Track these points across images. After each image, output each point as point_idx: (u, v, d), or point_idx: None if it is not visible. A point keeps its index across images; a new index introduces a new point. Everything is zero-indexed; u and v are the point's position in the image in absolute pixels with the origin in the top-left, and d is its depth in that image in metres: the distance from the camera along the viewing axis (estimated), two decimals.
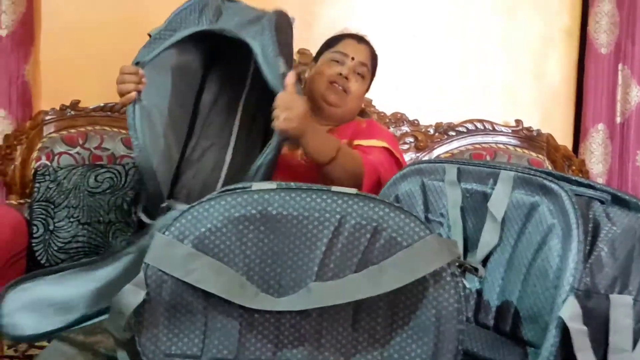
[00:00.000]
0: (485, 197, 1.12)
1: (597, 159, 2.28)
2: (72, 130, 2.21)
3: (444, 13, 2.35)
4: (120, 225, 2.04)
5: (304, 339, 0.92)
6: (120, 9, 2.27)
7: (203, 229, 0.91)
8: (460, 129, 2.28)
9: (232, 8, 1.39)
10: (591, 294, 0.97)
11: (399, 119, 2.27)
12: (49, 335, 1.11)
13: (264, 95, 1.32)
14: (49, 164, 2.16)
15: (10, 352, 1.53)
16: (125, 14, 2.25)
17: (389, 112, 2.28)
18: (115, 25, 2.24)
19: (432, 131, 2.28)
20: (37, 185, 2.08)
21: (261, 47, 1.26)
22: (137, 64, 1.28)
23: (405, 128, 2.28)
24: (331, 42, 1.75)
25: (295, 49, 1.58)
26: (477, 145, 2.27)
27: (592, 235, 1.00)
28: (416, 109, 2.31)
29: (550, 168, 2.18)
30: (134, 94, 1.26)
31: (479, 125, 2.28)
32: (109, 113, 2.23)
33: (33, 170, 2.14)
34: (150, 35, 1.30)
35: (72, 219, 2.03)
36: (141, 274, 0.90)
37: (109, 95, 2.18)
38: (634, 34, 2.25)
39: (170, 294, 0.90)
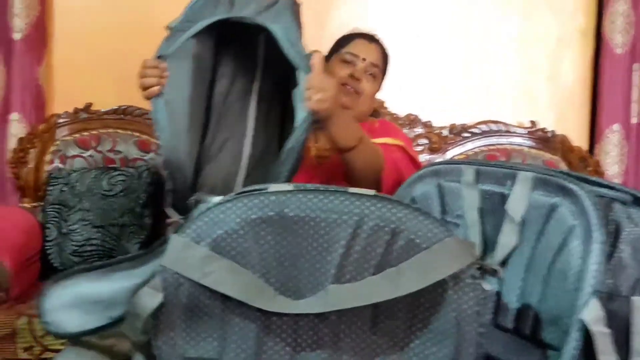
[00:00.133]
0: (503, 198, 1.10)
1: (612, 159, 2.27)
2: (85, 133, 2.22)
3: (457, 14, 2.35)
4: (133, 228, 2.04)
5: (322, 342, 0.91)
6: (132, 12, 2.28)
7: (220, 231, 0.90)
8: (475, 130, 2.27)
9: None
10: (613, 296, 0.95)
11: (412, 120, 2.27)
12: (94, 333, 1.08)
13: (276, 83, 1.31)
14: (62, 167, 2.17)
15: (25, 356, 1.53)
16: (138, 16, 2.26)
17: (402, 114, 2.27)
18: (127, 28, 2.25)
19: (446, 133, 2.27)
20: (50, 188, 2.09)
21: (284, 30, 1.25)
22: (159, 57, 1.27)
23: (419, 130, 2.27)
24: (342, 42, 1.74)
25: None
26: (492, 147, 2.26)
27: (614, 237, 0.98)
28: (430, 110, 2.30)
29: (566, 169, 2.16)
30: (156, 88, 1.25)
31: (493, 126, 2.27)
32: (121, 116, 2.24)
33: (46, 174, 2.15)
34: (170, 28, 1.29)
35: (85, 222, 2.03)
36: (158, 277, 0.89)
37: (122, 98, 2.20)
38: None
39: (187, 297, 0.89)
